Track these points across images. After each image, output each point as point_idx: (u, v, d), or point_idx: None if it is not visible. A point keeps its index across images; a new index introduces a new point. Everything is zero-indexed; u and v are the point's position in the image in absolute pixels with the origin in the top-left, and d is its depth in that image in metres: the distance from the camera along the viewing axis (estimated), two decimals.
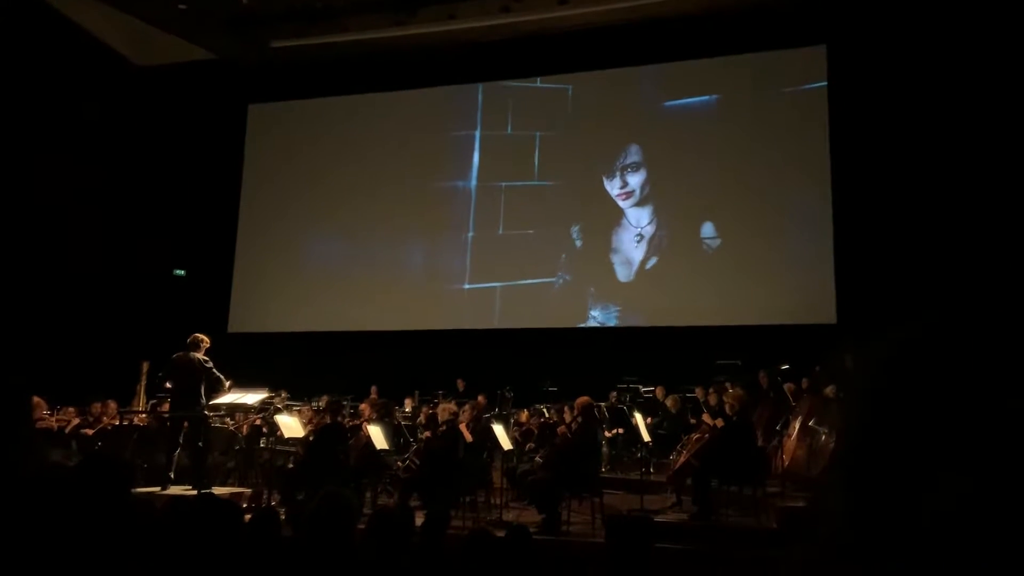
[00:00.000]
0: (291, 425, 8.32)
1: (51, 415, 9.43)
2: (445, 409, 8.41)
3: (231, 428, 9.56)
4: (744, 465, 7.09)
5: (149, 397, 10.66)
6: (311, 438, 8.13)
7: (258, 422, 9.68)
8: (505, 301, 13.09)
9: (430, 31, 12.86)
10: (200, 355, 8.16)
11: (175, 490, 7.61)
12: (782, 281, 11.67)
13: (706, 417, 7.88)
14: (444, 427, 8.04)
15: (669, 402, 9.91)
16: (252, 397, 8.95)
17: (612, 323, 12.41)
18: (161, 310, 13.30)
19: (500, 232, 13.36)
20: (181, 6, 12.60)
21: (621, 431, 9.60)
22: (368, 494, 7.95)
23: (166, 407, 9.12)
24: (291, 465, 8.24)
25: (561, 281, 12.85)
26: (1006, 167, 10.07)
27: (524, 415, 10.38)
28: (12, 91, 12.46)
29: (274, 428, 8.91)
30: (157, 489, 7.67)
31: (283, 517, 4.86)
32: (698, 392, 9.86)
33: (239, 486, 8.56)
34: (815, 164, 11.71)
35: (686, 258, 12.31)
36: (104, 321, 13.11)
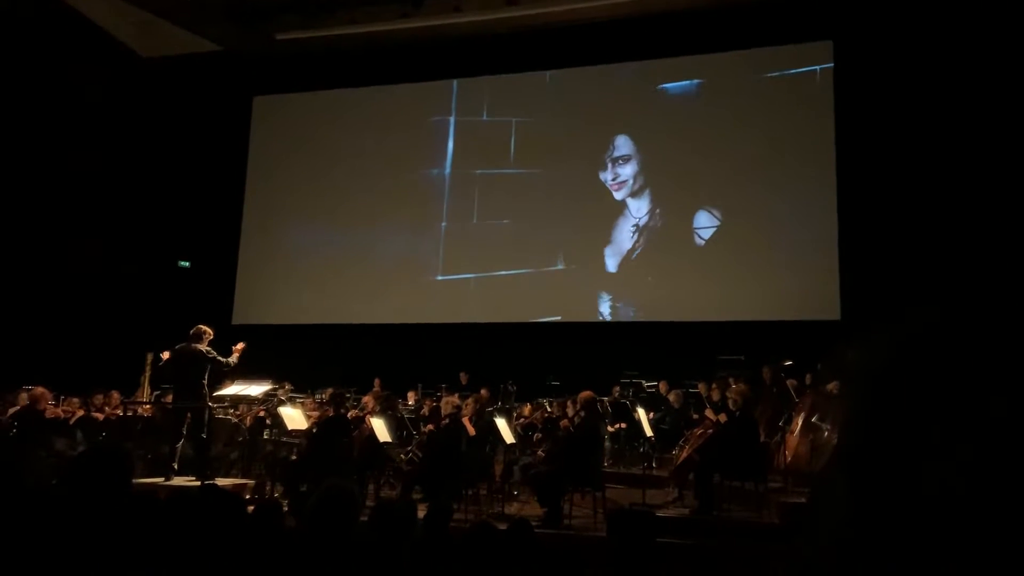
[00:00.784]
0: (294, 417, 8.34)
1: (56, 405, 9.46)
2: (448, 402, 8.42)
3: (235, 419, 9.58)
4: (746, 460, 7.09)
5: (153, 388, 10.69)
6: (314, 430, 8.15)
7: (262, 414, 9.70)
8: (508, 294, 13.08)
9: (435, 23, 12.83)
10: (203, 346, 8.17)
11: (178, 481, 7.63)
12: (786, 277, 11.66)
13: (708, 412, 7.87)
14: (447, 420, 8.05)
15: (672, 397, 9.91)
16: (256, 389, 8.97)
17: (614, 317, 12.39)
18: (165, 301, 13.33)
19: (505, 222, 13.35)
20: None
21: (624, 426, 9.60)
22: (371, 486, 7.97)
23: (170, 398, 9.15)
24: (294, 457, 8.26)
25: (565, 273, 12.84)
26: (1012, 163, 10.03)
27: (527, 409, 10.39)
28: (19, 82, 12.48)
29: (277, 420, 8.92)
30: (160, 480, 7.69)
31: (286, 509, 4.88)
32: (701, 387, 9.86)
33: (242, 477, 8.57)
34: (820, 159, 11.68)
35: (689, 253, 12.28)
36: (108, 312, 13.14)
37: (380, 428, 7.88)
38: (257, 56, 14.13)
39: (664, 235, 12.46)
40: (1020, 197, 9.74)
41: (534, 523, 4.78)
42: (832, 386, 7.98)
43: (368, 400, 9.15)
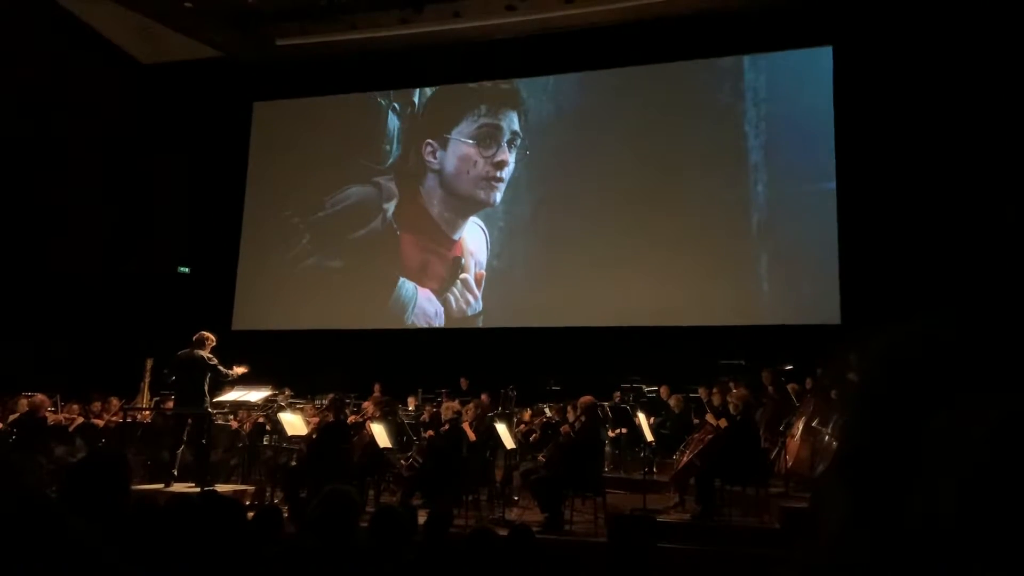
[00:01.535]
0: (294, 423, 8.33)
1: (55, 412, 9.45)
2: (448, 407, 8.41)
3: (235, 425, 9.57)
4: (747, 465, 7.08)
5: (153, 394, 10.68)
6: (314, 436, 8.14)
7: (261, 419, 9.70)
8: (509, 299, 13.08)
9: (435, 29, 12.86)
10: (205, 353, 8.17)
11: (178, 487, 7.62)
12: (786, 281, 11.66)
13: (709, 417, 7.86)
14: (447, 426, 8.05)
15: (672, 402, 9.89)
16: (256, 395, 8.96)
17: (614, 322, 12.37)
18: (165, 307, 13.33)
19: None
20: (187, 4, 12.62)
21: (624, 430, 9.59)
22: (371, 492, 7.96)
23: (170, 404, 9.14)
24: (294, 463, 8.25)
25: (566, 276, 12.83)
26: (1011, 167, 10.03)
27: (527, 414, 10.38)
28: (19, 87, 12.49)
29: (277, 426, 8.92)
30: (160, 486, 7.68)
31: (286, 515, 4.87)
32: (702, 392, 9.84)
33: (242, 484, 8.56)
34: (820, 162, 11.69)
35: (689, 258, 12.28)
36: (108, 318, 13.14)
37: (380, 434, 7.88)
38: (257, 62, 14.16)
39: (664, 238, 12.45)
40: (1020, 200, 9.74)
41: (535, 529, 4.77)
42: (834, 391, 7.97)
43: (368, 406, 9.14)
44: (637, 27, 12.46)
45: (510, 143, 13.46)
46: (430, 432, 8.76)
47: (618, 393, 10.47)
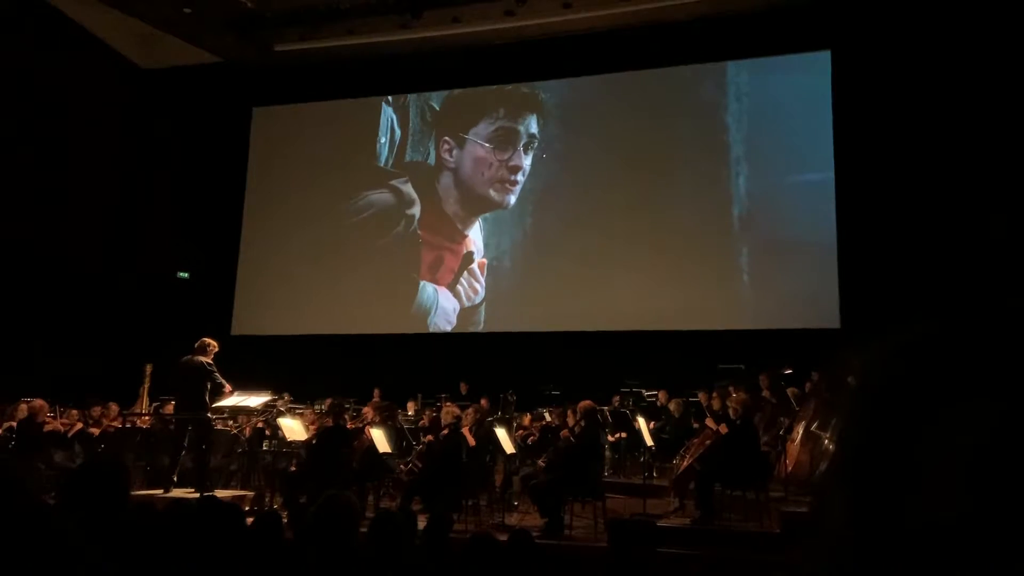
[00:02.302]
0: (294, 428, 8.32)
1: (54, 417, 9.44)
2: (448, 412, 8.40)
3: (234, 431, 9.56)
4: (747, 469, 7.07)
5: (152, 399, 10.67)
6: (314, 441, 8.13)
7: (261, 425, 9.68)
8: (509, 299, 13.08)
9: (434, 35, 12.89)
10: (206, 359, 8.17)
11: (177, 493, 7.61)
12: (785, 285, 11.66)
13: (709, 422, 7.86)
14: (447, 430, 8.04)
15: (672, 406, 9.89)
16: (255, 400, 8.95)
17: (614, 327, 12.37)
18: (165, 313, 13.33)
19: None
20: (186, 9, 12.65)
21: (624, 435, 9.58)
22: (371, 497, 7.95)
23: (169, 409, 9.13)
24: (293, 468, 8.24)
25: (566, 281, 12.83)
26: (1011, 170, 10.05)
27: (527, 419, 10.37)
28: (19, 93, 12.51)
29: (277, 431, 8.91)
30: (159, 492, 7.67)
31: (285, 520, 4.86)
32: (701, 396, 9.84)
33: (241, 489, 8.55)
34: (819, 165, 11.71)
35: (689, 260, 12.29)
36: (108, 323, 13.13)
37: (380, 438, 7.87)
38: (256, 67, 14.18)
39: (664, 242, 12.46)
40: (1019, 205, 9.75)
41: (535, 533, 4.76)
42: (832, 395, 7.97)
43: (368, 410, 9.13)
44: (636, 32, 12.49)
45: (527, 146, 13.44)
46: (429, 437, 8.75)
47: (617, 397, 10.46)
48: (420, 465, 8.21)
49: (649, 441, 8.46)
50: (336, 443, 7.83)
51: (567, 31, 12.67)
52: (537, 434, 9.67)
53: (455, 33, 12.85)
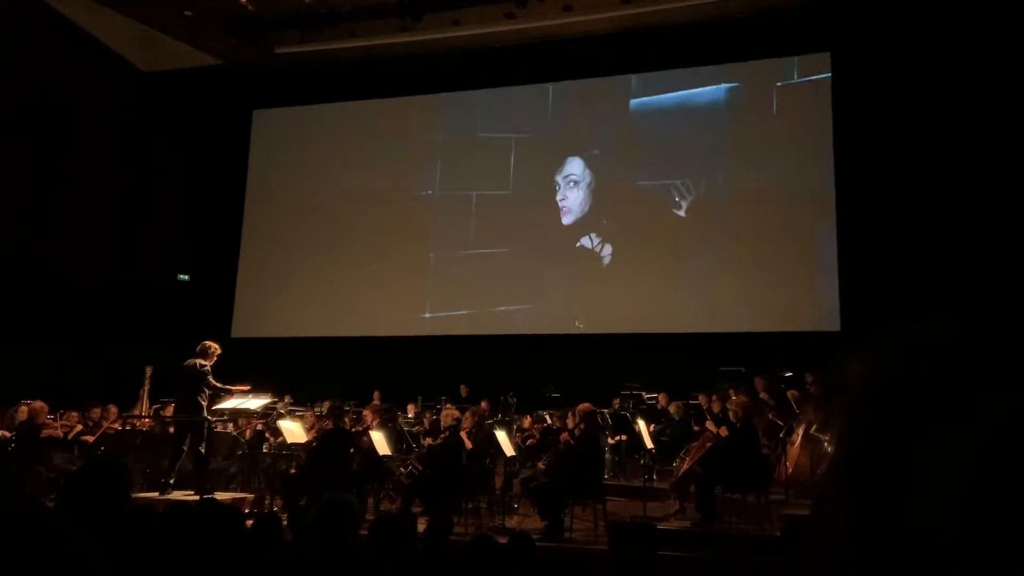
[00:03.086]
0: (294, 430, 8.32)
1: (54, 419, 9.43)
2: (448, 415, 8.40)
3: (234, 433, 9.56)
4: (748, 472, 7.07)
5: (152, 401, 10.67)
6: (314, 443, 8.12)
7: (261, 427, 9.68)
8: (507, 305, 13.08)
9: (434, 37, 12.90)
10: (202, 361, 8.16)
11: (177, 495, 7.60)
12: (786, 288, 11.66)
13: (709, 425, 7.86)
14: (446, 433, 8.03)
15: (672, 409, 9.88)
16: (255, 402, 8.95)
17: (618, 329, 12.37)
18: (165, 315, 13.32)
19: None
20: (187, 12, 12.66)
21: (624, 438, 9.57)
22: (371, 500, 7.94)
23: (169, 411, 9.13)
24: (293, 470, 8.23)
25: (565, 284, 12.84)
26: (1011, 174, 10.05)
27: (527, 421, 10.36)
28: (19, 95, 12.52)
29: (277, 433, 8.90)
30: (156, 494, 7.66)
31: (285, 523, 4.85)
32: (701, 399, 9.83)
33: (242, 491, 8.55)
34: (819, 169, 11.71)
35: (689, 264, 12.29)
36: (108, 325, 13.12)
37: (380, 441, 7.86)
38: (257, 70, 14.19)
39: (667, 245, 12.46)
40: (1019, 208, 9.75)
41: (535, 536, 4.76)
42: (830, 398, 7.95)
43: (367, 413, 9.13)
44: (635, 36, 12.50)
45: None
46: (428, 440, 8.75)
47: (618, 400, 10.46)
48: (420, 467, 8.21)
49: (649, 444, 8.45)
50: (336, 446, 7.83)
51: (568, 34, 12.68)
52: (537, 436, 9.66)
53: (455, 36, 12.86)
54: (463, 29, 12.72)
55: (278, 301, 14.16)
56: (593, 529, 7.06)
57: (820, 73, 12.01)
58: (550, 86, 13.50)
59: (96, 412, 10.02)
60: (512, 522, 7.63)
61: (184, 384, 8.09)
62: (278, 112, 14.96)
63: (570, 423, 8.14)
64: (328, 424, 8.36)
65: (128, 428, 9.64)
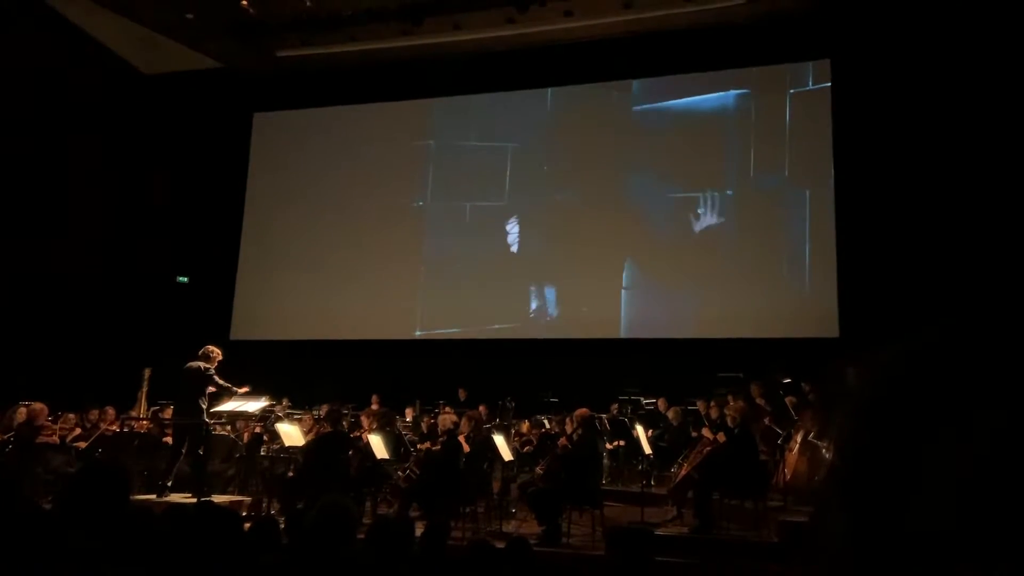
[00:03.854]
0: (292, 433, 8.31)
1: (53, 422, 9.41)
2: (445, 419, 8.39)
3: (232, 436, 9.54)
4: (745, 478, 7.06)
5: (151, 404, 10.65)
6: (312, 447, 8.12)
7: (259, 430, 9.66)
8: (506, 306, 13.08)
9: (435, 41, 12.91)
10: (203, 364, 8.17)
11: (175, 498, 7.59)
12: (784, 294, 11.67)
13: (706, 431, 7.86)
14: (444, 437, 8.03)
15: (671, 414, 9.88)
16: (253, 405, 8.95)
17: (615, 334, 12.37)
18: (164, 317, 13.31)
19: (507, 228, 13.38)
20: (188, 16, 12.68)
21: (622, 443, 9.57)
22: (368, 503, 7.93)
23: (167, 413, 9.11)
24: (291, 473, 8.22)
25: (564, 288, 12.84)
26: (1011, 178, 10.06)
27: (525, 426, 10.35)
28: (20, 97, 12.52)
29: (275, 436, 8.89)
30: (154, 497, 7.65)
31: (283, 526, 4.85)
32: (700, 405, 9.84)
33: (239, 494, 8.53)
34: (819, 175, 11.73)
35: (688, 269, 12.29)
36: (107, 327, 13.11)
37: (378, 445, 7.85)
38: (258, 73, 14.20)
39: (663, 251, 12.47)
40: (1019, 213, 9.76)
41: (532, 541, 4.76)
42: (829, 405, 7.96)
43: (364, 418, 9.12)
44: (636, 41, 12.52)
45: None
46: (426, 444, 8.74)
47: (616, 405, 10.46)
48: (418, 472, 8.20)
49: (647, 449, 8.45)
50: (334, 449, 7.82)
51: (571, 39, 12.70)
52: (535, 441, 9.66)
53: (456, 40, 12.88)
54: (464, 33, 12.74)
55: (277, 303, 14.15)
56: (591, 534, 7.05)
57: (821, 81, 12.02)
58: (548, 91, 13.52)
59: (94, 414, 10.01)
60: (510, 527, 7.62)
61: (185, 386, 8.09)
62: (279, 115, 14.97)
63: (568, 428, 8.14)
64: (326, 427, 8.35)
65: (126, 430, 9.62)
